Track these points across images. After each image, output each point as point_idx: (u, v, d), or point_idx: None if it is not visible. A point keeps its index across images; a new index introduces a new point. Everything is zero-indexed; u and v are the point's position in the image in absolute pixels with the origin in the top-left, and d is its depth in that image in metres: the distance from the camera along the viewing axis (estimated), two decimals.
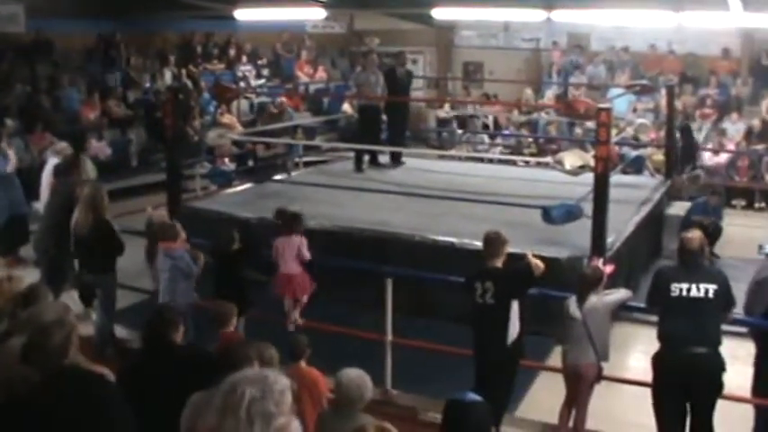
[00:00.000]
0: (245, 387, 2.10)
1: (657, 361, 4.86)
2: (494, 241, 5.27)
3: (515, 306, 5.17)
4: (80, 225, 6.48)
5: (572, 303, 5.31)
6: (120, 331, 6.89)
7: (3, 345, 2.72)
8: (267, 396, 2.08)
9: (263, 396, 2.08)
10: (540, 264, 5.21)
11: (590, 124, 9.64)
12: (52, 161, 8.40)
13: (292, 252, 6.39)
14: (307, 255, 6.39)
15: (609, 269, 5.79)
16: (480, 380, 5.14)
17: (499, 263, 5.23)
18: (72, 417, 2.46)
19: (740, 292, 5.19)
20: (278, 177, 10.83)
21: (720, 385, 4.75)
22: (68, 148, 8.69)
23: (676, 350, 4.70)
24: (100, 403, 2.57)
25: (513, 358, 5.28)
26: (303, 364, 4.66)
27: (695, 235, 5.06)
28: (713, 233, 8.47)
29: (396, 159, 11.15)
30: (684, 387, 4.72)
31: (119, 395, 2.71)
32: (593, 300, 5.26)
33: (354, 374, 3.91)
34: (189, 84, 14.40)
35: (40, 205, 8.26)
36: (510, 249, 5.36)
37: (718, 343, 4.78)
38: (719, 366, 4.75)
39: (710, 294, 4.75)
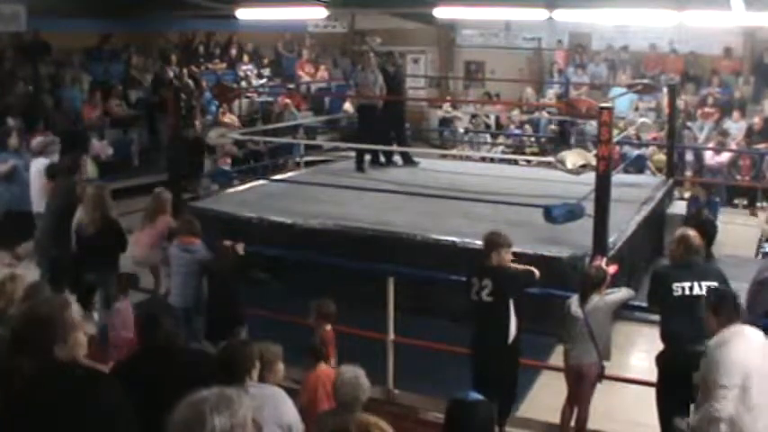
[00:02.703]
0: (212, 417, 2.06)
1: (662, 360, 4.85)
2: (490, 242, 5.28)
3: (512, 305, 5.16)
4: (85, 225, 6.48)
5: (573, 303, 5.31)
6: None
7: None
8: (236, 425, 2.05)
9: (232, 426, 2.05)
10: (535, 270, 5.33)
11: (592, 123, 9.60)
12: (36, 161, 8.38)
13: None
14: None
15: (612, 269, 5.79)
16: (479, 378, 5.13)
17: (498, 262, 5.22)
18: (75, 415, 2.45)
19: (742, 291, 5.19)
20: (279, 177, 10.84)
21: None
22: (47, 142, 8.68)
23: (682, 349, 4.68)
24: (105, 401, 2.56)
25: (516, 357, 5.28)
26: (323, 365, 4.70)
27: (695, 233, 5.06)
28: (709, 233, 8.40)
29: (407, 160, 11.18)
30: (690, 386, 4.70)
31: (121, 393, 2.70)
32: (596, 299, 5.26)
33: (350, 375, 3.91)
34: (190, 83, 14.40)
35: (33, 205, 8.26)
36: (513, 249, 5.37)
37: None
38: None
39: None
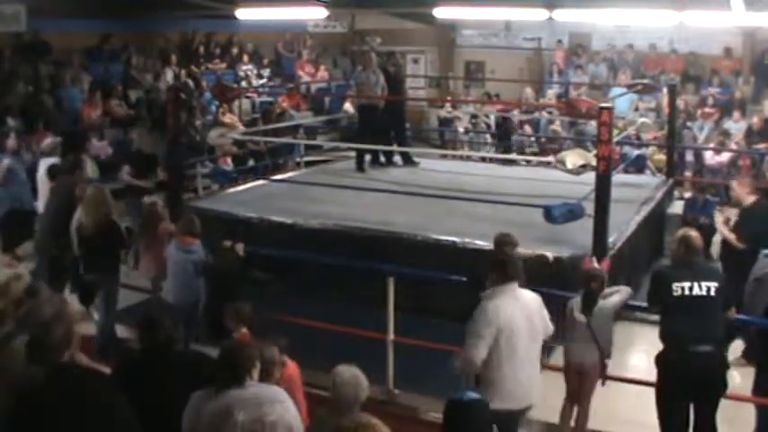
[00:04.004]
0: (238, 414, 2.09)
1: (662, 361, 4.84)
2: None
3: None
4: (85, 226, 6.49)
5: (576, 306, 5.27)
6: (122, 331, 6.91)
7: (9, 344, 2.70)
8: (258, 429, 2.07)
9: (254, 429, 2.07)
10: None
11: (592, 123, 9.61)
12: (45, 162, 8.40)
13: None
14: None
15: (605, 266, 5.81)
16: None
17: None
18: (76, 415, 2.45)
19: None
20: (279, 177, 10.84)
21: (725, 384, 4.75)
22: (57, 144, 8.70)
23: (682, 349, 4.69)
24: (105, 401, 2.57)
25: None
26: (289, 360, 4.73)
27: (696, 233, 5.06)
28: (707, 237, 8.41)
29: (407, 160, 11.19)
30: (690, 386, 4.71)
31: (121, 394, 2.71)
32: (599, 302, 5.24)
33: (349, 375, 3.91)
34: (190, 83, 14.40)
35: (39, 205, 8.27)
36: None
37: (722, 341, 4.79)
38: (724, 365, 4.76)
39: (712, 292, 4.75)
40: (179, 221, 6.73)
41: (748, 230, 6.62)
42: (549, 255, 5.51)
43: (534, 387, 4.51)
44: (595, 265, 5.76)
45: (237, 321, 5.29)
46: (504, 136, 15.06)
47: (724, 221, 6.85)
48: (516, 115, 15.58)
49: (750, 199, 6.88)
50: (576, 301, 5.29)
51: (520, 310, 4.43)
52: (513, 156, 13.46)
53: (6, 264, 8.39)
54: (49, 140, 9.10)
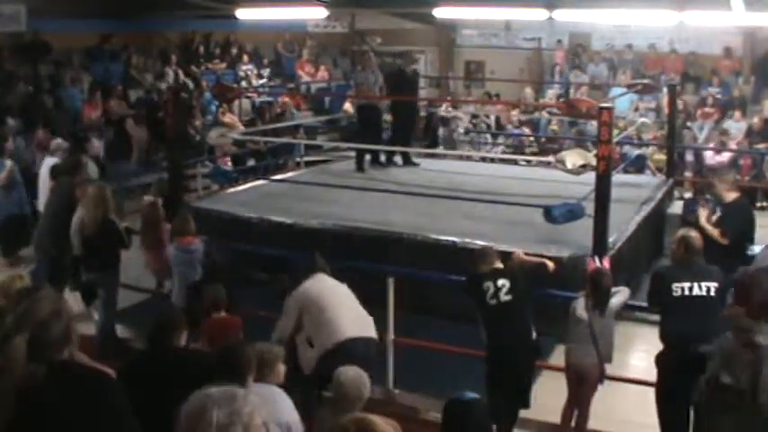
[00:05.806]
0: (212, 410, 2.07)
1: (663, 361, 4.84)
2: (487, 254, 5.32)
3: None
4: (86, 225, 6.49)
5: (579, 305, 5.26)
6: (122, 331, 6.91)
7: (8, 342, 2.70)
8: (236, 421, 2.05)
9: (232, 422, 2.05)
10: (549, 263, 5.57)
11: (593, 123, 9.61)
12: (48, 161, 8.41)
13: None
14: None
15: (606, 264, 5.83)
16: (499, 381, 5.14)
17: (506, 263, 5.26)
18: (78, 413, 2.45)
19: None
20: (279, 177, 10.83)
21: None
22: (63, 146, 8.72)
23: (683, 350, 4.69)
24: (105, 400, 2.56)
25: (538, 354, 5.31)
26: None
27: (696, 234, 5.07)
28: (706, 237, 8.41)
29: (407, 160, 11.19)
30: (690, 386, 4.70)
31: (122, 393, 2.70)
32: None
33: (353, 374, 3.92)
34: (189, 83, 14.40)
35: (41, 204, 8.29)
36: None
37: None
38: None
39: (712, 292, 4.75)
40: (174, 222, 6.72)
41: (731, 226, 6.67)
42: (550, 264, 5.55)
43: (357, 324, 5.18)
44: (599, 264, 5.76)
45: (213, 306, 5.29)
46: (428, 131, 15.13)
47: (706, 218, 6.87)
48: (515, 114, 15.58)
49: (731, 196, 6.92)
50: (579, 301, 5.28)
51: (325, 285, 5.30)
52: (438, 151, 13.44)
53: (6, 264, 8.45)
54: (58, 141, 9.11)
